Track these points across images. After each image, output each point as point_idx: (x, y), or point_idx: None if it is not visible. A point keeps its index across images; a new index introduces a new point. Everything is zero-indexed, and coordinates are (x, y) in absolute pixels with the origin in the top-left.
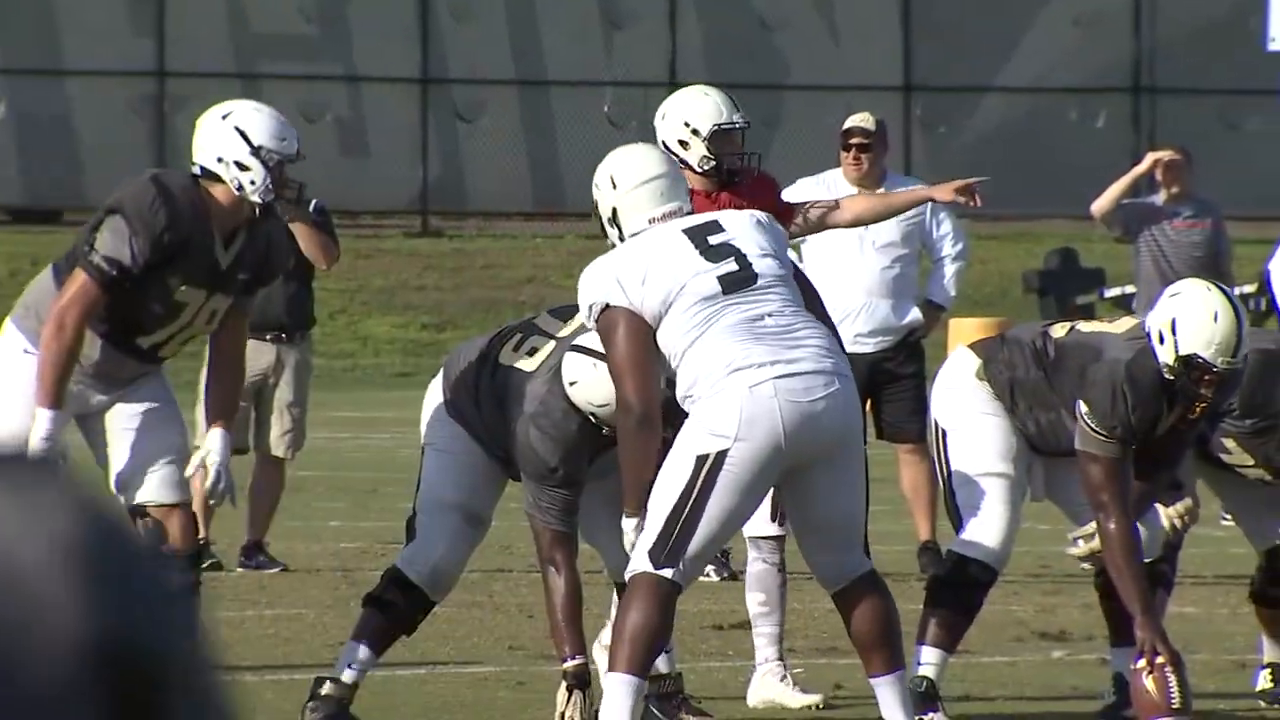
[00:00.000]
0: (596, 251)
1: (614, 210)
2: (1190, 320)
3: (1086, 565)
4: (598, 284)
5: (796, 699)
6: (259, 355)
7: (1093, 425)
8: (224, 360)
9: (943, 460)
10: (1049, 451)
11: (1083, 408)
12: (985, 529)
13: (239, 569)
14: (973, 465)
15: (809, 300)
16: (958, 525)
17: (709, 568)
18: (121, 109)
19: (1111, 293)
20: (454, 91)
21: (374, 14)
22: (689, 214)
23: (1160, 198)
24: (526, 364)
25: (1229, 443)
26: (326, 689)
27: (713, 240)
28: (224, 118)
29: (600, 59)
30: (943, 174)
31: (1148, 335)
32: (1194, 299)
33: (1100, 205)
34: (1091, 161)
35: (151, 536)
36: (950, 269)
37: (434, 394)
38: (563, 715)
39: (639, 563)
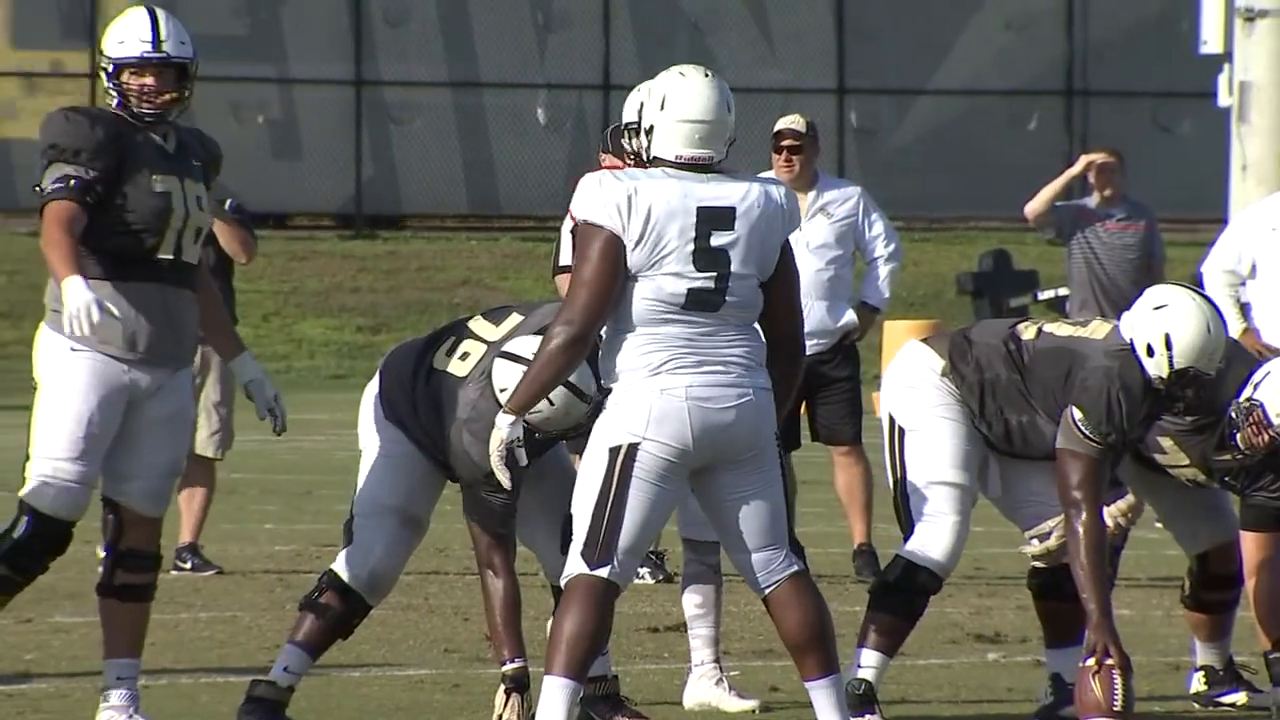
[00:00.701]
0: (531, 255)
1: (652, 126)
2: (1185, 335)
3: (1039, 562)
4: (600, 201)
5: (733, 703)
6: None
7: (1085, 430)
8: (207, 287)
9: (897, 460)
10: (1013, 454)
11: (1076, 413)
12: (937, 537)
13: (174, 571)
14: (928, 471)
15: (784, 291)
16: (907, 529)
17: (644, 570)
18: (52, 108)
19: (1045, 295)
20: (387, 93)
21: (307, 15)
22: (701, 164)
23: (1093, 200)
24: (458, 369)
25: (1165, 442)
26: (261, 691)
27: (715, 240)
28: None
29: (534, 61)
30: (875, 176)
31: (1131, 345)
32: (1185, 313)
33: (1033, 207)
34: (1024, 164)
35: (111, 531)
36: (884, 270)
37: (370, 397)
38: (500, 718)
39: (574, 566)
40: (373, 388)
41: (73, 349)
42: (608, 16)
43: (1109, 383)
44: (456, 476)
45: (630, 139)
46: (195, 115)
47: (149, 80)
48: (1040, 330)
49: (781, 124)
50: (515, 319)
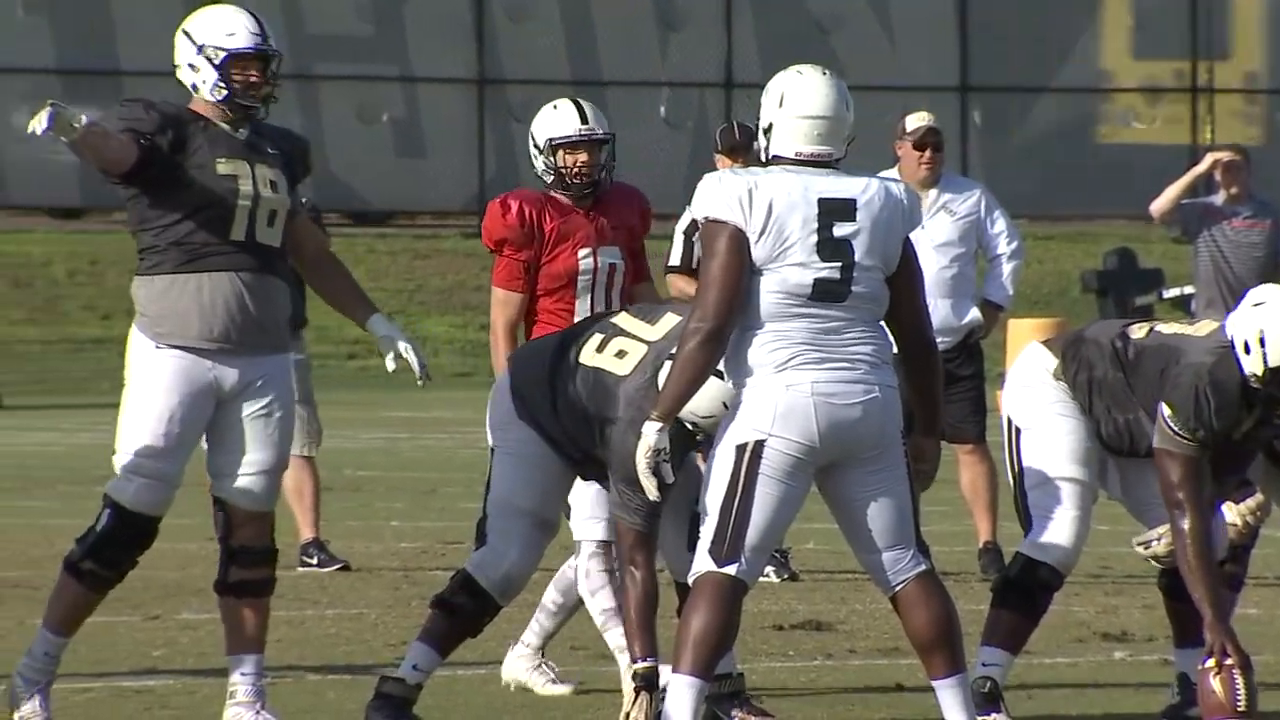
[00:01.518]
0: (653, 251)
1: (770, 124)
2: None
3: (1156, 563)
4: (721, 197)
5: (548, 688)
6: None
7: (1175, 427)
8: (322, 264)
9: (1015, 459)
10: (1124, 452)
11: (1165, 410)
12: (1057, 533)
13: (300, 568)
14: (1046, 467)
15: (908, 288)
16: (1027, 526)
17: (769, 568)
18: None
19: (1170, 293)
20: (510, 92)
21: (430, 14)
22: (820, 161)
23: (1219, 198)
24: (617, 366)
25: None
26: (389, 688)
27: (838, 230)
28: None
29: (655, 59)
30: (999, 174)
31: (1231, 343)
32: None
33: (1159, 205)
34: (1150, 161)
35: (222, 528)
36: (1007, 267)
37: (502, 396)
38: (627, 715)
39: (702, 563)
40: (502, 386)
41: (157, 347)
42: (730, 15)
43: (1198, 380)
44: (591, 475)
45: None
46: (321, 114)
47: (254, 73)
48: (1151, 329)
49: (919, 121)
50: (673, 319)
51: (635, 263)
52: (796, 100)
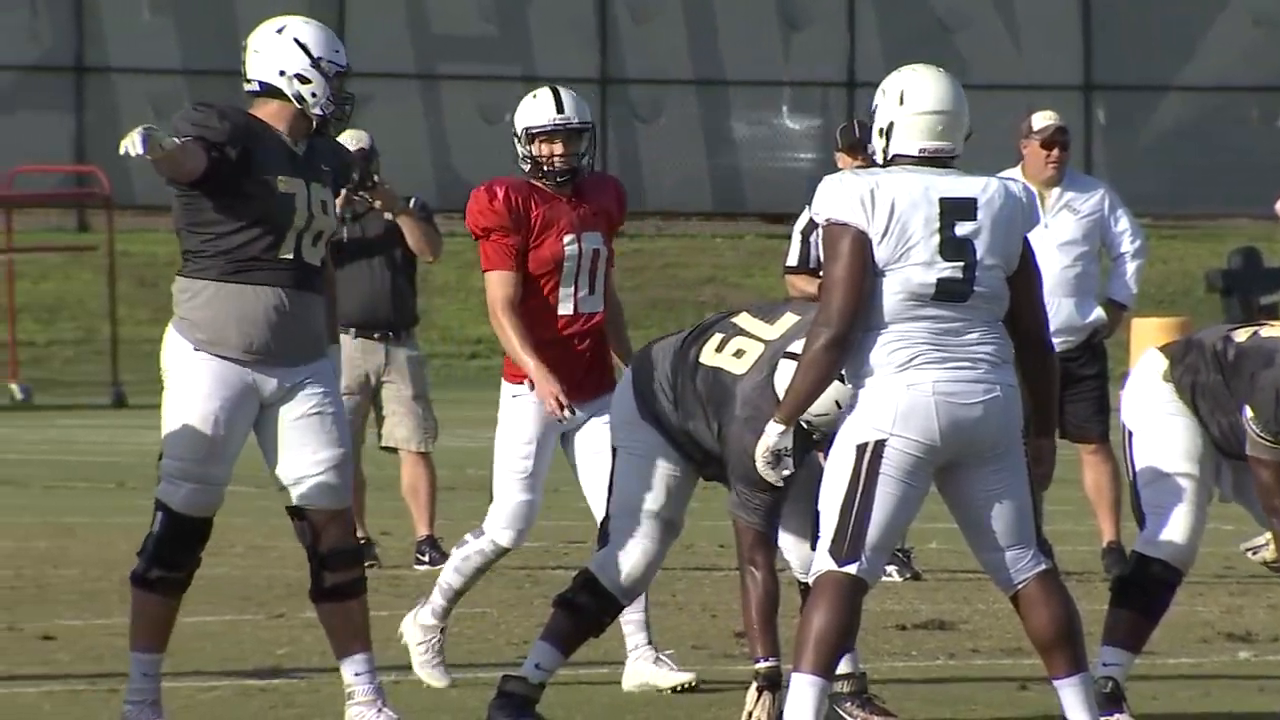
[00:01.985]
0: (776, 252)
1: (890, 123)
2: None
3: (1267, 568)
4: (843, 199)
5: (670, 678)
6: (369, 355)
7: (1257, 430)
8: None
9: (1129, 461)
10: (1233, 455)
11: (1248, 412)
12: (1169, 528)
13: (415, 566)
14: (1157, 465)
15: (1026, 288)
16: (1142, 524)
17: (891, 567)
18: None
19: None
20: (632, 91)
21: (553, 15)
22: (941, 157)
23: None
24: (734, 365)
25: None
26: (512, 687)
27: (960, 229)
28: (279, 31)
29: (778, 59)
30: (1123, 173)
31: None
32: None
33: None
34: (1274, 160)
35: (307, 537)
36: (1130, 266)
37: (624, 396)
38: (750, 715)
39: (822, 562)
40: (625, 387)
41: (195, 349)
42: (853, 13)
43: (1277, 382)
44: (713, 475)
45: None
46: (444, 114)
47: (333, 90)
48: (1254, 332)
49: (1047, 120)
50: (792, 318)
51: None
52: (916, 97)
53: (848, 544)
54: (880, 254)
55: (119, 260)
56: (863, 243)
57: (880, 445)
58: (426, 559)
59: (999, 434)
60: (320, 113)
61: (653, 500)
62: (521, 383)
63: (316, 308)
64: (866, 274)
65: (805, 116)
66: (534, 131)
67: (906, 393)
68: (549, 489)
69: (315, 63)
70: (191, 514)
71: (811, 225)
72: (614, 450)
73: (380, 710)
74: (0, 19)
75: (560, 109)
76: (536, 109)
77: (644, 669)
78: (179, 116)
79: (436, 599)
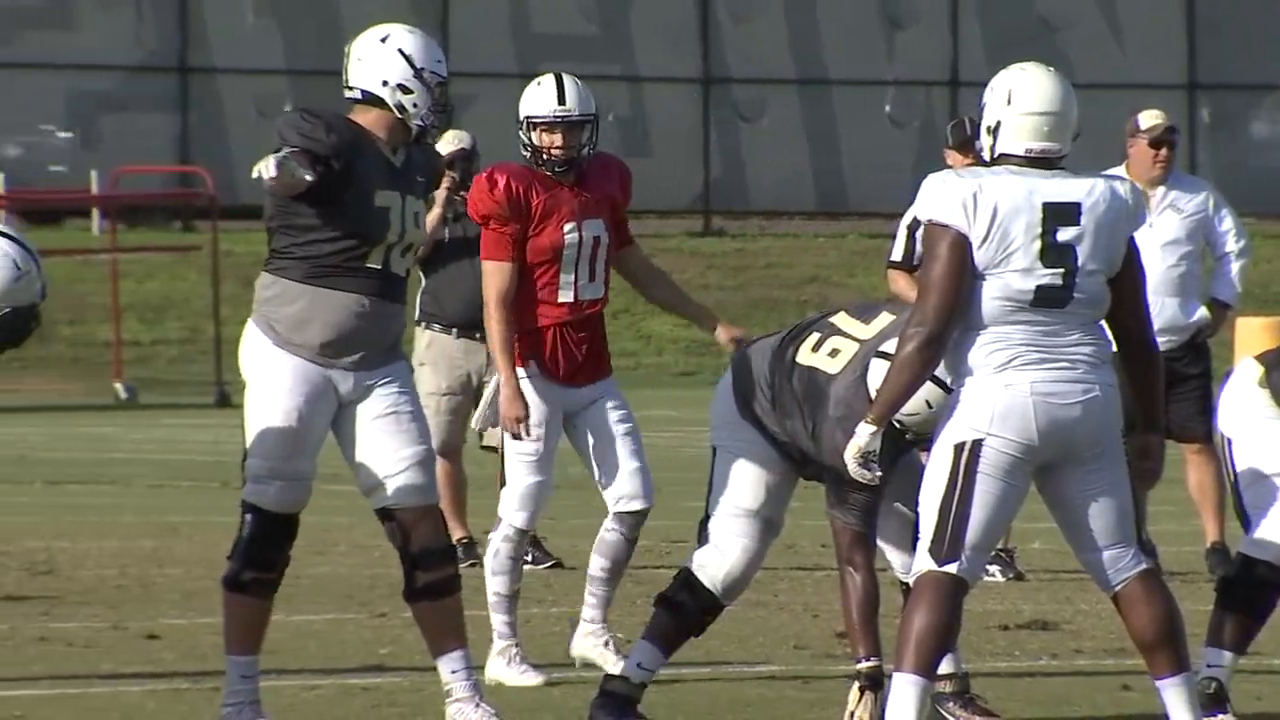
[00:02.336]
0: (879, 251)
1: (998, 122)
2: None
3: None
4: (945, 200)
5: (614, 662)
6: (470, 354)
7: None
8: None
9: (1229, 465)
10: None
11: None
12: (1273, 529)
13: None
14: (1258, 466)
15: (1130, 288)
16: (1246, 526)
17: (993, 568)
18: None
19: None
20: (735, 91)
21: (655, 14)
22: (1048, 157)
23: None
24: (828, 365)
25: None
26: (615, 686)
27: (1062, 235)
28: (383, 40)
29: (881, 58)
30: (1228, 173)
31: None
32: None
33: None
34: None
35: (398, 538)
36: (1234, 266)
37: (724, 395)
38: (852, 715)
39: (922, 563)
40: (725, 386)
41: (274, 345)
42: (956, 13)
43: None
44: (812, 475)
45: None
46: None
47: (437, 95)
48: None
49: (1155, 119)
50: (887, 318)
51: (619, 232)
52: (1024, 96)
53: (947, 544)
54: (980, 257)
55: (223, 260)
56: (963, 245)
57: (978, 445)
58: (529, 558)
59: (1098, 433)
60: (420, 123)
61: (752, 499)
62: (526, 366)
63: (398, 315)
64: (965, 277)
65: (908, 116)
66: (535, 121)
67: (1004, 393)
68: (656, 488)
69: (418, 73)
70: (282, 511)
71: (918, 222)
72: (713, 449)
73: (478, 706)
74: (105, 20)
75: (562, 100)
76: (539, 98)
77: (588, 645)
78: (284, 123)
79: (496, 618)
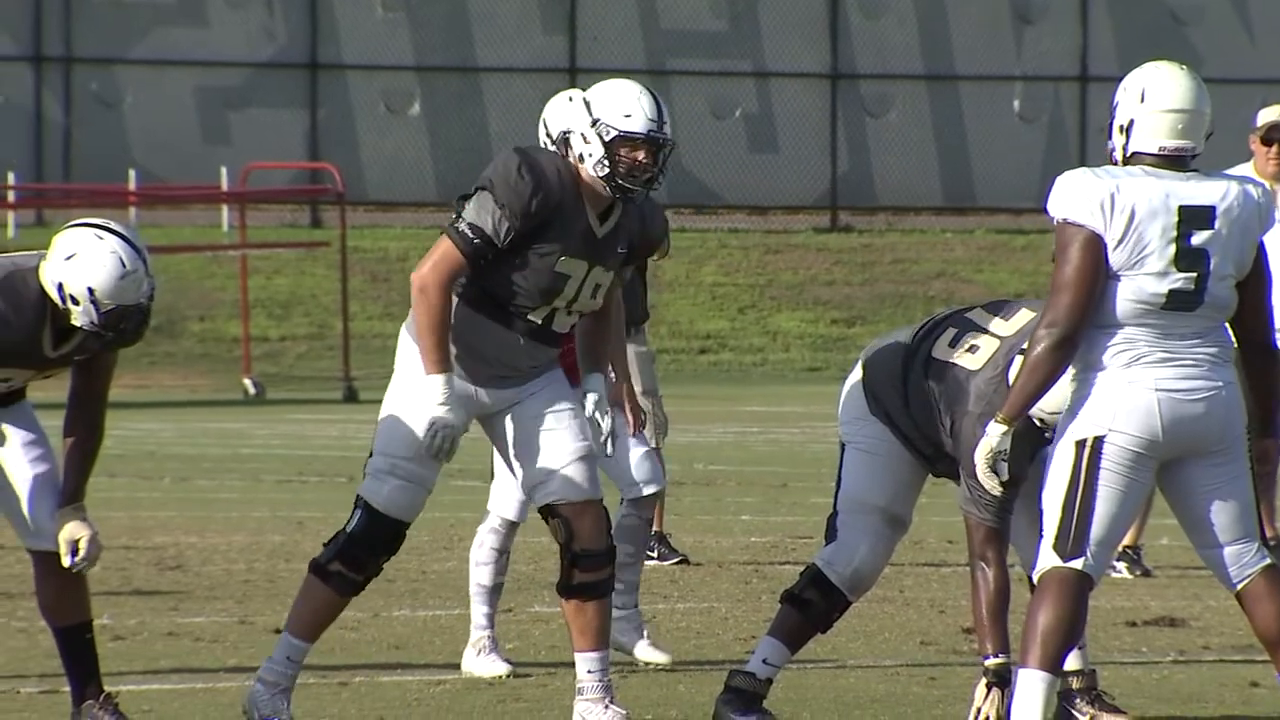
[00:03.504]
0: (1007, 247)
1: (1131, 121)
2: None
3: None
4: (1082, 200)
5: (646, 651)
6: None
7: None
8: (598, 313)
9: None
10: None
11: None
12: None
13: (647, 563)
14: None
15: (1255, 290)
16: None
17: (1120, 564)
18: (532, 105)
19: None
20: (863, 86)
21: (784, 10)
22: (1181, 155)
23: None
24: (968, 361)
25: None
26: (739, 682)
27: (1196, 239)
28: (570, 100)
29: (1010, 54)
30: None
31: None
32: None
33: None
34: None
35: (562, 534)
36: None
37: (853, 391)
38: (979, 711)
39: (1046, 559)
40: (854, 382)
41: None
42: (1085, 8)
43: None
44: (943, 472)
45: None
46: (674, 109)
47: (641, 155)
48: None
49: (1269, 116)
50: (1028, 314)
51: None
52: (1158, 94)
53: (1071, 540)
54: (1115, 259)
55: (351, 256)
56: (1097, 246)
57: (1099, 441)
58: (655, 555)
59: (1221, 430)
60: (595, 173)
61: (880, 497)
62: None
63: (551, 350)
64: (1099, 277)
65: (1036, 111)
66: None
67: (1128, 389)
68: (776, 485)
69: (595, 123)
70: (392, 514)
71: None
72: (842, 446)
73: (607, 707)
74: (236, 17)
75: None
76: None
77: (623, 630)
78: (501, 166)
79: (476, 609)
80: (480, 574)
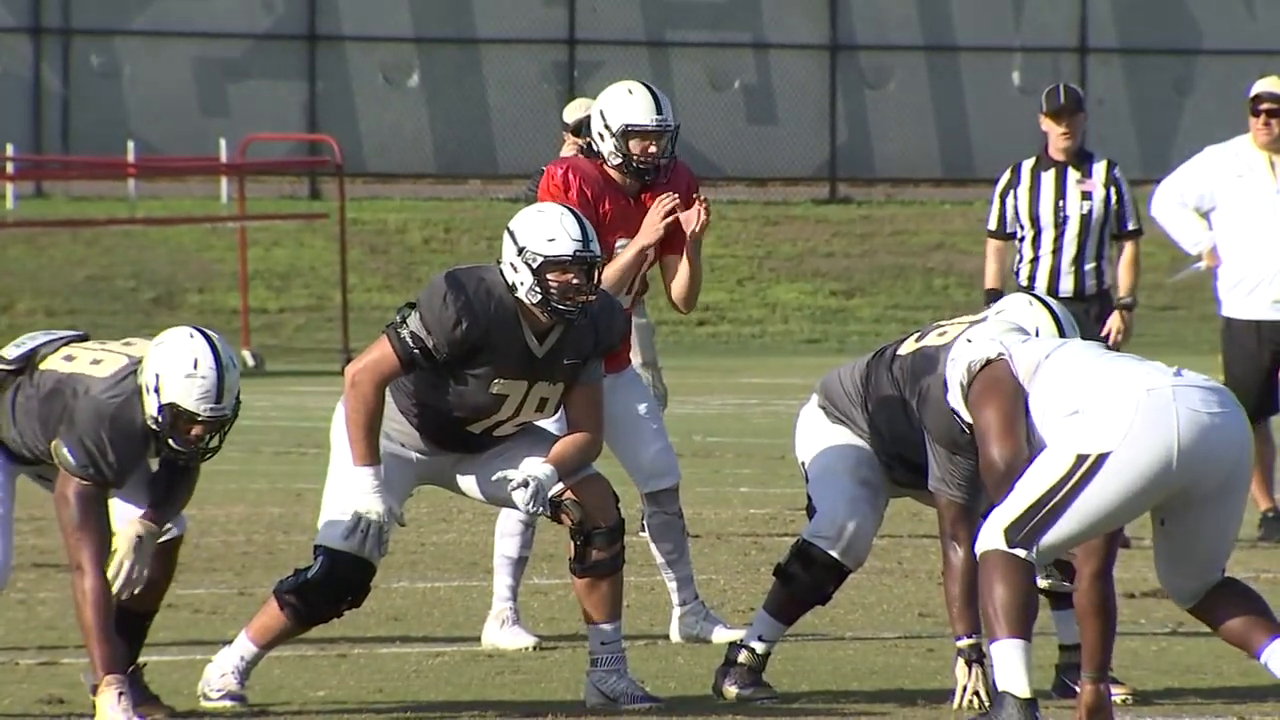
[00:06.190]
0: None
1: None
2: None
3: None
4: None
5: (723, 634)
6: None
7: None
8: (573, 429)
9: None
10: None
11: None
12: None
13: (643, 534)
14: None
15: None
16: None
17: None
18: (532, 77)
19: None
20: (862, 58)
21: None
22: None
23: None
24: (937, 340)
25: None
26: (742, 657)
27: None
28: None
29: (1009, 25)
30: None
31: None
32: None
33: None
34: None
35: (578, 516)
36: None
37: (805, 416)
38: (964, 689)
39: (993, 539)
40: (806, 409)
41: (391, 418)
42: None
43: None
44: (901, 479)
45: None
46: (673, 80)
47: (572, 277)
48: None
49: (1260, 87)
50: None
51: (673, 239)
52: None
53: (1024, 534)
54: None
55: (350, 228)
56: None
57: (1101, 459)
58: (642, 527)
59: (1238, 454)
60: (529, 300)
61: (844, 462)
62: None
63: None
64: None
65: (1036, 83)
66: (635, 129)
67: (1146, 398)
68: (775, 456)
69: (520, 252)
70: (356, 554)
71: (1008, 188)
72: (803, 464)
73: (620, 677)
74: None
75: (660, 109)
76: (637, 107)
77: (691, 624)
78: (429, 294)
79: (499, 580)
80: (505, 545)
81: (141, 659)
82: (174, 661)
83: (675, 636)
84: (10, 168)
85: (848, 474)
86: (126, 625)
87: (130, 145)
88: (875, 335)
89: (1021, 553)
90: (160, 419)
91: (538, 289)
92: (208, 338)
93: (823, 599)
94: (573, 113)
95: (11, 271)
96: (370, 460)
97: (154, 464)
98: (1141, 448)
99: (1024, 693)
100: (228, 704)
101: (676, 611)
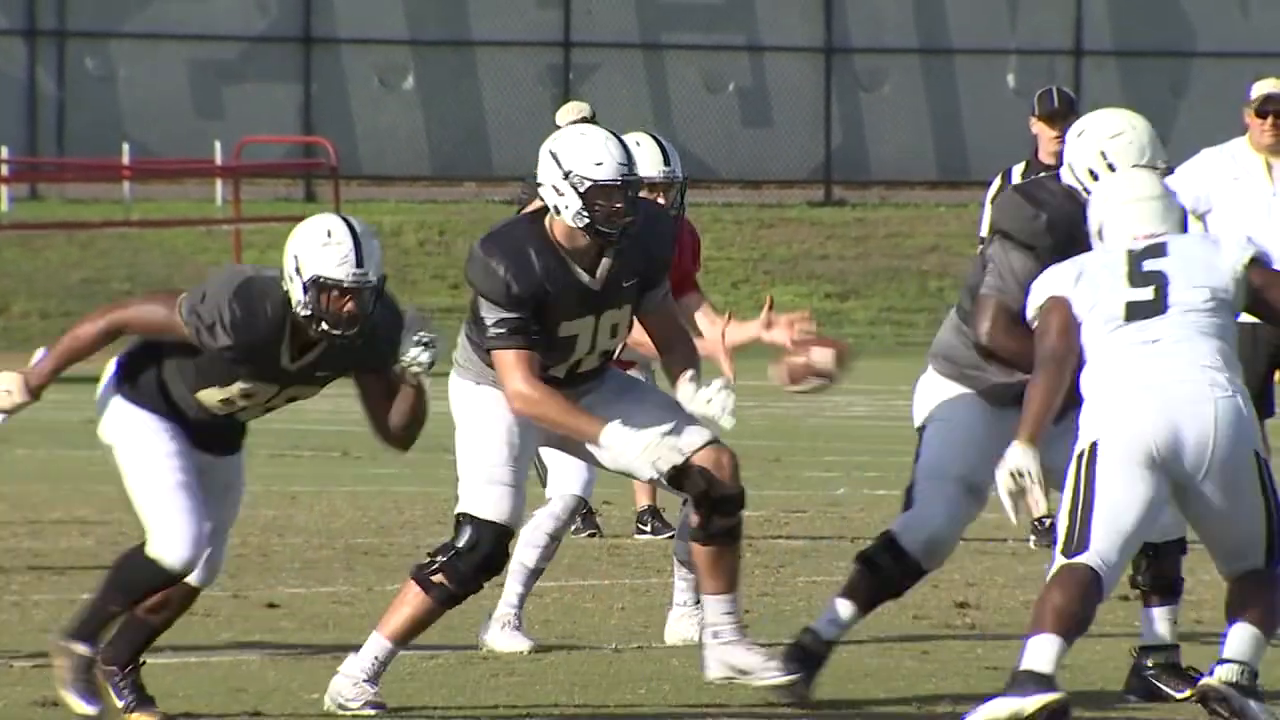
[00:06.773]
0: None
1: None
2: None
3: None
4: (1049, 280)
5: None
6: None
7: None
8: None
9: None
10: None
11: None
12: None
13: (639, 536)
14: None
15: (1270, 294)
16: None
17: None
18: (527, 79)
19: None
20: (856, 61)
21: None
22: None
23: None
24: None
25: None
26: (804, 640)
27: (1148, 265)
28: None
29: (1004, 27)
30: None
31: None
32: None
33: None
34: None
35: (701, 483)
36: None
37: (924, 384)
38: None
39: (1056, 561)
40: (923, 378)
41: (477, 384)
42: None
43: None
44: None
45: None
46: (668, 83)
47: (618, 202)
48: None
49: (1262, 89)
50: None
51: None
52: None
53: (1075, 540)
54: (1076, 306)
55: None
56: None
57: (1093, 449)
58: (648, 529)
59: (1231, 443)
60: (575, 224)
61: (959, 464)
62: None
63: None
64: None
65: (1031, 85)
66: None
67: (1118, 394)
68: (770, 459)
69: (566, 175)
70: (499, 520)
71: (999, 194)
72: (920, 429)
73: (749, 649)
74: None
75: (668, 161)
76: (642, 160)
77: (684, 626)
78: (476, 274)
79: (511, 586)
80: (526, 554)
81: (141, 658)
82: (168, 664)
83: (669, 638)
84: (5, 170)
85: (958, 481)
86: (136, 632)
87: (125, 148)
88: (870, 338)
89: (1081, 559)
90: (307, 299)
91: (585, 213)
92: (341, 216)
93: (898, 593)
94: (567, 115)
95: (6, 274)
96: (599, 422)
97: (305, 394)
98: (1117, 432)
99: (1046, 670)
100: (370, 712)
101: (677, 612)
